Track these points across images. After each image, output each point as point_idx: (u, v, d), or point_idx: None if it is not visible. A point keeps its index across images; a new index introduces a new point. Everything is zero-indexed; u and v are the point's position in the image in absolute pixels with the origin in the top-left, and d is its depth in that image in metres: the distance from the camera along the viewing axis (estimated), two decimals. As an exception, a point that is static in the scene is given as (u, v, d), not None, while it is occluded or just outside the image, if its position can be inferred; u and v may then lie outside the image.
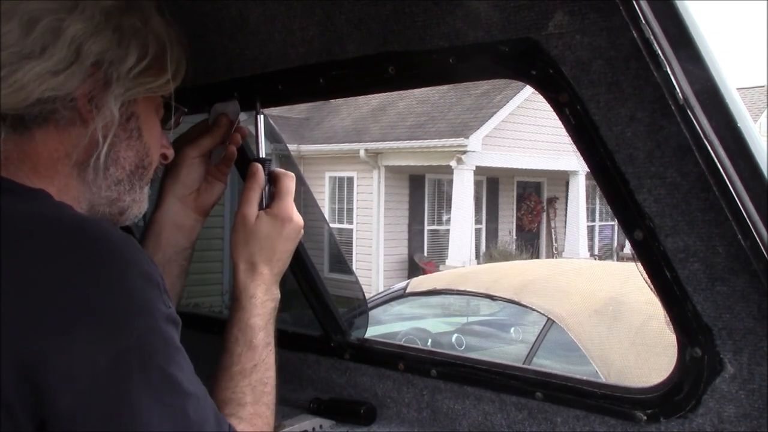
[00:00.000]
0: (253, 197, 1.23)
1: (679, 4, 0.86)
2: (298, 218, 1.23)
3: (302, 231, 1.24)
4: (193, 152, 1.32)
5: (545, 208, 19.62)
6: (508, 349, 4.72)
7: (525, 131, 15.99)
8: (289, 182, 1.25)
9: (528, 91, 14.67)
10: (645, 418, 1.22)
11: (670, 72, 0.88)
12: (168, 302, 0.90)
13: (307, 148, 17.32)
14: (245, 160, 1.47)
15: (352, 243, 16.79)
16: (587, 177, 16.40)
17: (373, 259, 16.34)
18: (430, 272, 13.07)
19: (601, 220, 20.48)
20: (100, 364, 0.80)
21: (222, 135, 1.34)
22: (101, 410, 0.80)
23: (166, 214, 1.32)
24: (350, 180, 17.20)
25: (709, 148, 0.88)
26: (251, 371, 1.10)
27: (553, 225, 19.63)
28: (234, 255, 1.20)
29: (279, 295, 1.21)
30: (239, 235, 1.20)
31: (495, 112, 15.55)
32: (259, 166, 1.27)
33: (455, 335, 5.10)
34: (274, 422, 1.10)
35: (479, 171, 15.82)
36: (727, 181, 0.88)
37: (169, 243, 1.31)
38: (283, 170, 1.27)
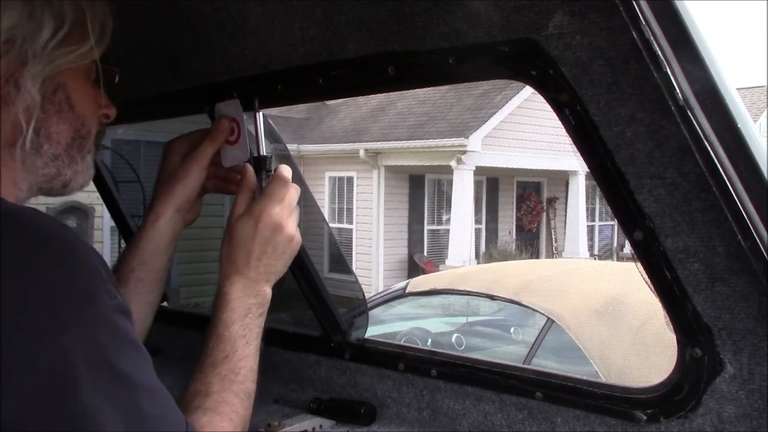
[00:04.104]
0: (240, 199, 1.22)
1: (679, 4, 0.86)
2: (275, 219, 1.18)
3: (285, 231, 1.19)
4: (197, 164, 1.30)
5: (545, 208, 19.62)
6: (508, 349, 4.72)
7: (525, 131, 15.99)
8: (275, 186, 1.21)
9: (528, 91, 14.66)
10: (645, 418, 1.22)
11: (670, 72, 0.88)
12: (114, 292, 0.86)
13: (307, 148, 17.31)
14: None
15: (352, 243, 16.78)
16: (587, 177, 16.39)
17: (373, 259, 16.34)
18: (430, 272, 13.07)
19: (601, 220, 20.48)
20: (44, 364, 0.77)
21: (223, 139, 1.32)
22: (50, 413, 0.76)
23: (169, 226, 1.29)
24: (350, 180, 17.19)
25: (709, 148, 0.88)
26: (222, 362, 1.07)
27: (553, 225, 19.63)
28: (219, 256, 1.20)
29: (267, 294, 1.18)
30: (224, 237, 1.20)
31: (495, 112, 15.54)
32: (250, 168, 1.26)
33: (455, 335, 5.11)
34: (246, 413, 1.07)
35: (479, 171, 15.82)
36: (727, 181, 0.88)
37: (167, 256, 1.30)
38: (278, 172, 1.23)
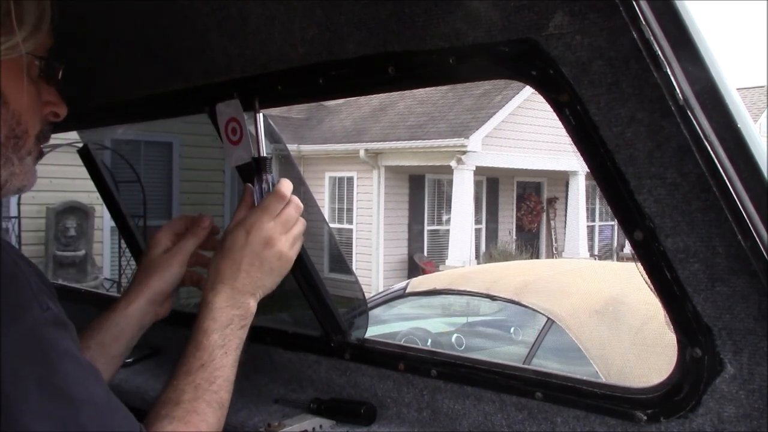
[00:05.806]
0: (239, 213, 1.23)
1: (679, 4, 0.86)
2: (266, 233, 1.17)
3: (276, 247, 1.17)
4: (176, 258, 1.29)
5: (545, 208, 19.62)
6: (508, 349, 4.72)
7: (525, 131, 15.99)
8: (271, 200, 1.20)
9: (528, 91, 14.67)
10: (645, 418, 1.22)
11: (670, 72, 0.88)
12: (46, 303, 0.83)
13: (307, 148, 17.31)
14: (247, 165, 1.46)
15: (352, 243, 16.79)
16: (587, 177, 16.40)
17: (373, 259, 16.33)
18: (430, 272, 13.07)
19: (601, 220, 20.48)
20: None
21: (205, 235, 1.32)
22: None
23: (138, 314, 1.27)
24: (350, 180, 17.19)
25: (709, 148, 0.88)
26: (197, 370, 1.05)
27: (553, 225, 19.63)
28: (209, 265, 1.19)
29: (251, 307, 1.16)
30: (217, 247, 1.20)
31: (495, 113, 15.55)
32: (251, 187, 1.27)
33: (455, 335, 5.11)
34: (218, 423, 1.04)
35: (479, 171, 15.82)
36: (727, 181, 0.88)
37: (128, 346, 1.28)
38: (277, 187, 1.21)
